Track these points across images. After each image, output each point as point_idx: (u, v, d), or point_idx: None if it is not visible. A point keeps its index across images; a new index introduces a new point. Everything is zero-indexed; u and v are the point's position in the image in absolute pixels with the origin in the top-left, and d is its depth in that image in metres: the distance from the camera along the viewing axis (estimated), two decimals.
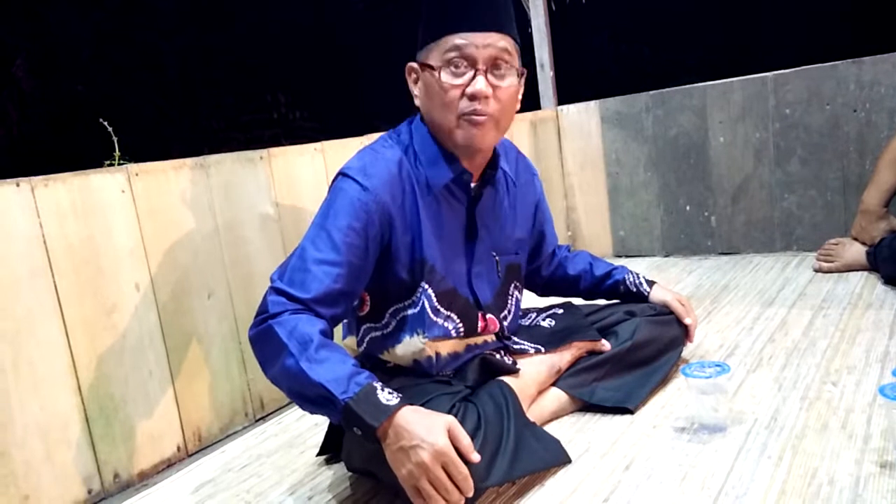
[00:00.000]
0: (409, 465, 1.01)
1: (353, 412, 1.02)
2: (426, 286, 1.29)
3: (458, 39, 1.22)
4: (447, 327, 1.33)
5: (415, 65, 1.30)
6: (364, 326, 1.36)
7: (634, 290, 1.63)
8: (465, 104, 1.24)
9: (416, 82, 1.31)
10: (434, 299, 1.30)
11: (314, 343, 1.07)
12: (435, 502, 1.01)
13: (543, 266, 1.68)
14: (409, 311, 1.30)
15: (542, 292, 1.74)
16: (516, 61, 1.28)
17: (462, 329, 1.36)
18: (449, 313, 1.33)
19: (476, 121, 1.24)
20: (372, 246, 1.22)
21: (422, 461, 0.99)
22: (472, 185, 1.35)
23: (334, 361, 1.07)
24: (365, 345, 1.36)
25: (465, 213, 1.36)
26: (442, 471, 1.00)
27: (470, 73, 1.23)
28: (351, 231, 1.19)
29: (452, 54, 1.22)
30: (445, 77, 1.23)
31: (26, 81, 8.98)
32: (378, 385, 1.06)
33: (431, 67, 1.24)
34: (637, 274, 1.67)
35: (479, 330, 1.39)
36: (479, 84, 1.22)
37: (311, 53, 11.30)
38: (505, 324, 1.46)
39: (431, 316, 1.30)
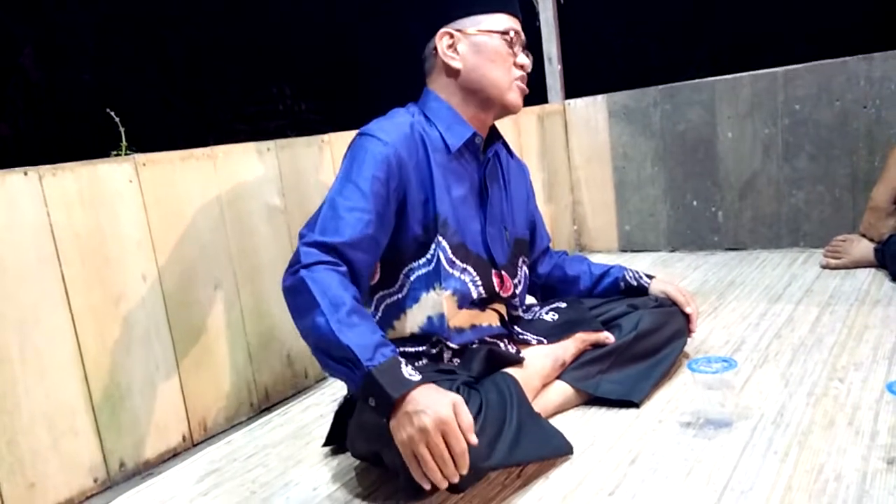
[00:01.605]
0: (409, 428, 1.02)
1: (375, 380, 1.04)
2: (440, 239, 1.34)
3: (511, 18, 1.41)
4: (464, 280, 1.37)
5: (452, 30, 1.39)
6: (378, 295, 1.38)
7: (635, 283, 1.66)
8: (516, 72, 1.41)
9: (451, 47, 1.39)
10: (449, 251, 1.35)
11: (346, 306, 1.10)
12: (430, 469, 1.02)
13: (538, 263, 1.71)
14: (424, 270, 1.35)
15: (541, 294, 1.76)
16: None
17: (480, 283, 1.40)
18: (465, 266, 1.38)
19: (523, 88, 1.43)
20: (393, 197, 1.29)
21: (424, 426, 1.01)
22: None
23: (364, 329, 1.09)
24: (380, 313, 1.39)
25: (477, 176, 1.44)
26: (441, 439, 1.02)
27: (517, 48, 1.41)
28: (376, 181, 1.25)
29: (509, 29, 1.39)
30: (511, 46, 1.40)
31: (33, 71, 9.00)
32: (402, 360, 1.09)
33: (498, 32, 1.38)
34: (635, 270, 1.69)
35: (496, 287, 1.43)
36: (528, 60, 1.43)
37: (317, 45, 11.29)
38: (518, 291, 1.50)
39: (447, 268, 1.34)
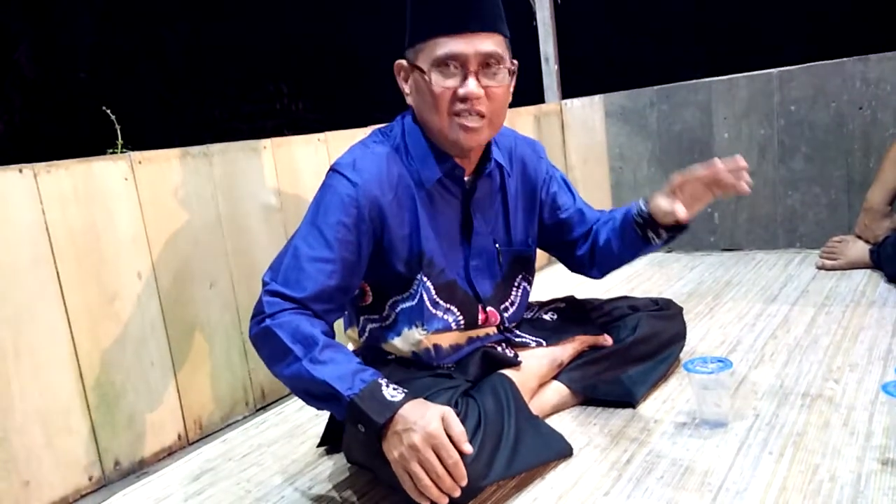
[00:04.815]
0: (400, 447, 1.02)
1: (358, 408, 1.04)
2: (424, 279, 1.29)
3: (448, 41, 1.19)
4: (447, 320, 1.34)
5: (404, 63, 1.29)
6: (363, 317, 1.37)
7: (641, 220, 1.35)
8: (456, 105, 1.22)
9: (405, 80, 1.30)
10: (433, 292, 1.31)
11: (319, 345, 1.09)
12: (425, 486, 1.01)
13: (576, 246, 1.53)
14: (407, 304, 1.31)
15: (597, 273, 1.54)
16: (507, 58, 1.26)
17: (462, 321, 1.36)
18: (448, 306, 1.34)
19: (467, 123, 1.22)
20: (364, 241, 1.23)
21: (413, 443, 1.01)
22: (466, 178, 1.35)
23: (339, 360, 1.09)
24: (366, 334, 1.37)
25: (461, 207, 1.36)
26: (433, 454, 1.01)
27: (460, 75, 1.21)
28: (342, 227, 1.20)
29: (442, 56, 1.20)
30: (436, 79, 1.21)
31: (29, 68, 8.96)
32: (383, 381, 1.07)
33: (421, 70, 1.23)
34: (638, 204, 1.37)
35: (479, 322, 1.39)
36: (471, 86, 1.20)
37: (314, 44, 11.27)
38: (506, 315, 1.46)
39: (431, 309, 1.31)
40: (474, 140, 1.26)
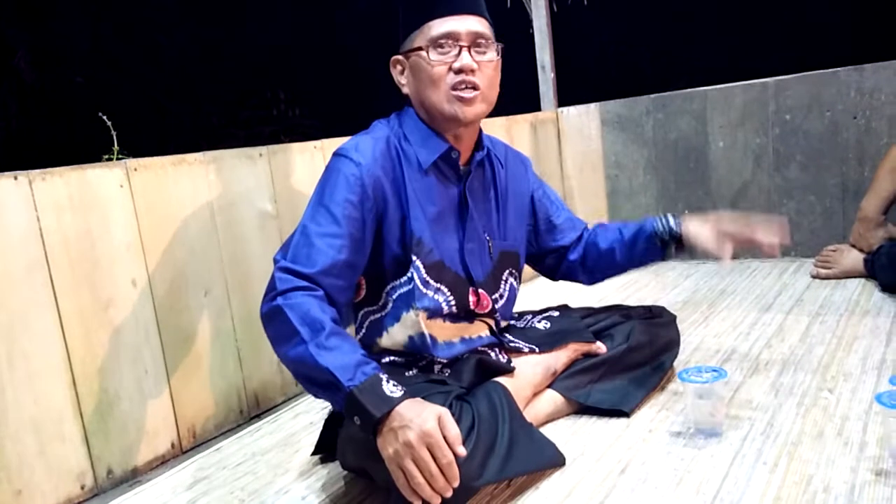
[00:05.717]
0: (395, 444, 1.02)
1: (357, 400, 1.04)
2: (415, 259, 1.33)
3: (442, 22, 1.31)
4: (438, 300, 1.36)
5: (399, 56, 1.38)
6: (362, 312, 1.39)
7: (667, 237, 1.49)
8: (452, 78, 1.31)
9: (402, 73, 1.39)
10: (423, 271, 1.34)
11: (326, 331, 1.10)
12: (418, 484, 1.01)
13: (569, 251, 1.61)
14: (404, 289, 1.34)
15: (587, 279, 1.64)
16: (493, 39, 1.37)
17: (453, 302, 1.38)
18: (438, 286, 1.36)
19: (465, 94, 1.32)
20: (369, 218, 1.28)
21: (408, 440, 1.01)
22: (462, 166, 1.41)
23: (344, 350, 1.09)
24: (364, 330, 1.39)
25: (457, 192, 1.41)
26: (427, 453, 1.01)
27: (455, 51, 1.31)
28: (348, 204, 1.25)
29: (438, 35, 1.30)
30: (434, 56, 1.31)
31: (28, 74, 8.96)
32: (384, 377, 1.08)
33: (419, 49, 1.32)
34: (664, 219, 1.51)
35: (471, 305, 1.41)
36: (466, 59, 1.31)
37: (312, 51, 11.30)
38: (497, 306, 1.47)
39: (421, 288, 1.34)
40: (471, 112, 1.33)
